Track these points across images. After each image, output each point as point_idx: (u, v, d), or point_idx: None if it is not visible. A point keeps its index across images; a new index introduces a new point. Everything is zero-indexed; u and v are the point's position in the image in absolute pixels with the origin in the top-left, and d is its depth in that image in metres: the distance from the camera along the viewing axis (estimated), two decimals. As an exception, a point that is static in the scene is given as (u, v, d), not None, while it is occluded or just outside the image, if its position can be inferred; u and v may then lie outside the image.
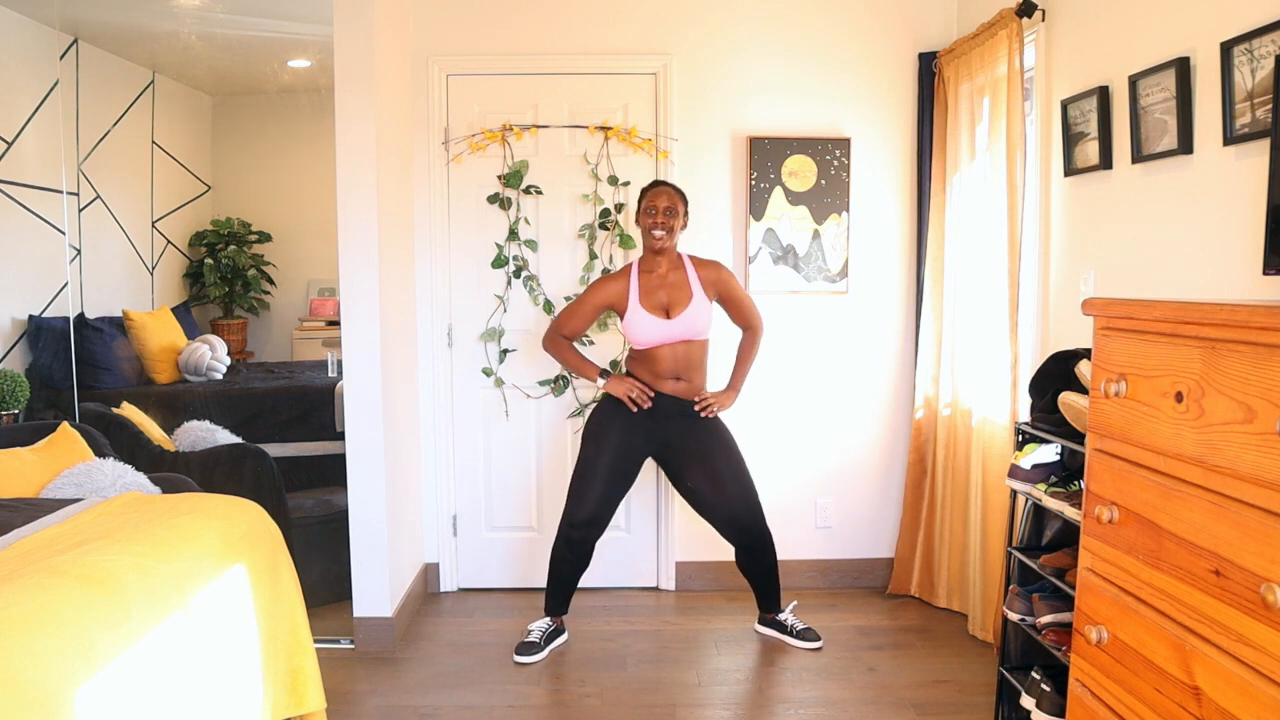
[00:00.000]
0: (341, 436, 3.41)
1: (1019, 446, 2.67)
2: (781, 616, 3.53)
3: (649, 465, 3.94)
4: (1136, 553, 1.76)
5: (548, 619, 3.47)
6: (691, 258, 3.37)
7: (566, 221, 3.93)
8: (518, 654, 3.33)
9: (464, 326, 3.96)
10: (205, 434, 3.87)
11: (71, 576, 1.79)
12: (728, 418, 3.51)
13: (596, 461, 3.30)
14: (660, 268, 3.31)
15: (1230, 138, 2.25)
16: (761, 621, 3.59)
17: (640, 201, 3.32)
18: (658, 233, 3.24)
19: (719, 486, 3.32)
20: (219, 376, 4.15)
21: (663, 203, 3.24)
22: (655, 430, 3.32)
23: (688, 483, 3.39)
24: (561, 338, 3.39)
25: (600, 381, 3.33)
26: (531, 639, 3.38)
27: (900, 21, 3.89)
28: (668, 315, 3.25)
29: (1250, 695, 1.43)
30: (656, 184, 3.32)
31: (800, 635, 3.47)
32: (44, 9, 3.74)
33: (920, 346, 3.82)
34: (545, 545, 4.03)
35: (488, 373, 3.97)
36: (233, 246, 4.35)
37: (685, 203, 3.33)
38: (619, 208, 3.90)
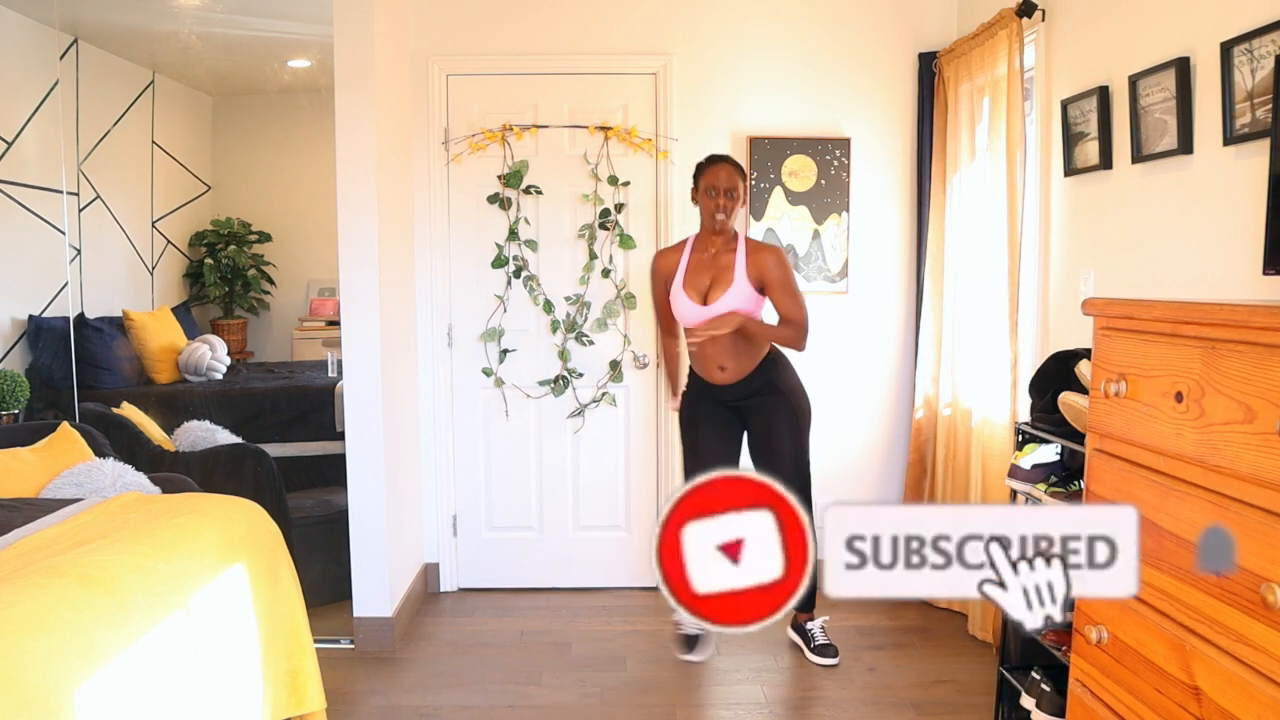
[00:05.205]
0: (341, 436, 3.40)
1: (1019, 446, 2.67)
2: (809, 626, 3.37)
3: (642, 464, 3.96)
4: (1136, 553, 1.75)
5: None
6: (749, 241, 3.26)
7: (566, 221, 3.93)
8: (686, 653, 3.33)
9: (464, 326, 3.96)
10: (205, 434, 3.87)
11: (71, 576, 1.79)
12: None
13: (693, 463, 3.32)
14: (714, 247, 3.22)
15: (1230, 138, 2.25)
16: (794, 625, 3.41)
17: (698, 179, 3.22)
18: (719, 215, 3.16)
19: (773, 461, 3.23)
20: (219, 376, 4.15)
21: (724, 183, 3.15)
22: (732, 408, 3.31)
23: (751, 452, 3.35)
24: (670, 337, 3.41)
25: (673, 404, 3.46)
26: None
27: (900, 21, 3.88)
28: (705, 300, 3.17)
29: (1250, 695, 1.43)
30: (716, 159, 3.21)
31: (817, 650, 3.30)
32: (44, 9, 3.73)
33: (920, 346, 3.82)
34: (545, 545, 4.03)
35: (488, 373, 3.97)
36: (233, 246, 4.35)
37: (745, 179, 3.25)
38: (619, 208, 3.90)
